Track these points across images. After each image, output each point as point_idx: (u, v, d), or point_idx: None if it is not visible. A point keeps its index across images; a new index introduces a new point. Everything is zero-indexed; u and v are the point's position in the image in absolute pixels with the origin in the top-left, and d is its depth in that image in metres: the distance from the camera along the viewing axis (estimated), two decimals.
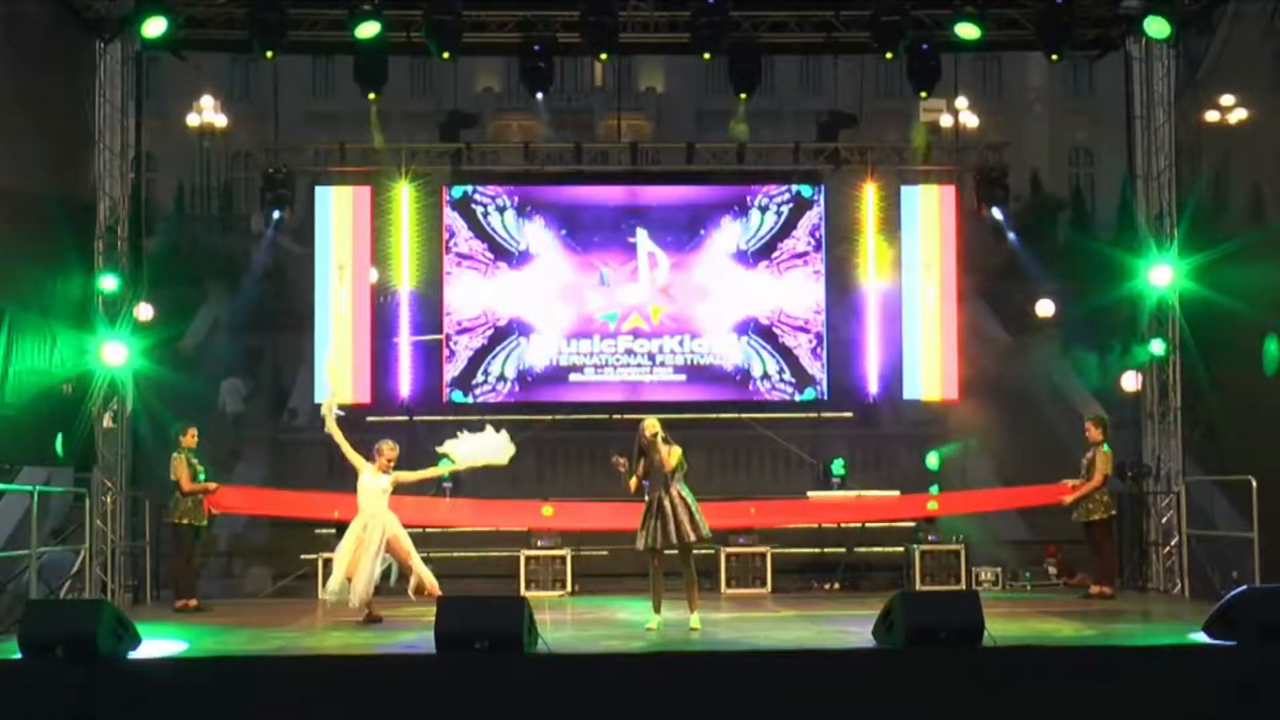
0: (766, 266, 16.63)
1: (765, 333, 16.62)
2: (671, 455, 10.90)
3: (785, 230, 16.65)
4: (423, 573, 11.77)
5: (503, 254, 16.57)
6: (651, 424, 11.05)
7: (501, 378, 16.55)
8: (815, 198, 16.70)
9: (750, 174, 16.83)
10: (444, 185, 16.60)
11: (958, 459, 15.70)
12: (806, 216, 16.65)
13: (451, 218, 16.53)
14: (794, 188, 16.68)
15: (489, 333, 16.57)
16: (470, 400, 16.52)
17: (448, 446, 11.99)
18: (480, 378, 16.53)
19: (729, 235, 16.66)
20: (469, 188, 16.62)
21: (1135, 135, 15.38)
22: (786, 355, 16.63)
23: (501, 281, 16.60)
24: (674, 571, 11.23)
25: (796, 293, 16.62)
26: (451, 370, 16.50)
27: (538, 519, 14.77)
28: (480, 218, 16.58)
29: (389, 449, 11.92)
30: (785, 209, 16.65)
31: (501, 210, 16.61)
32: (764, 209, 16.65)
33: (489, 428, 12.02)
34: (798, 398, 16.66)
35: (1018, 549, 15.98)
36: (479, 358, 16.55)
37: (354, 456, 11.89)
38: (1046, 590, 14.93)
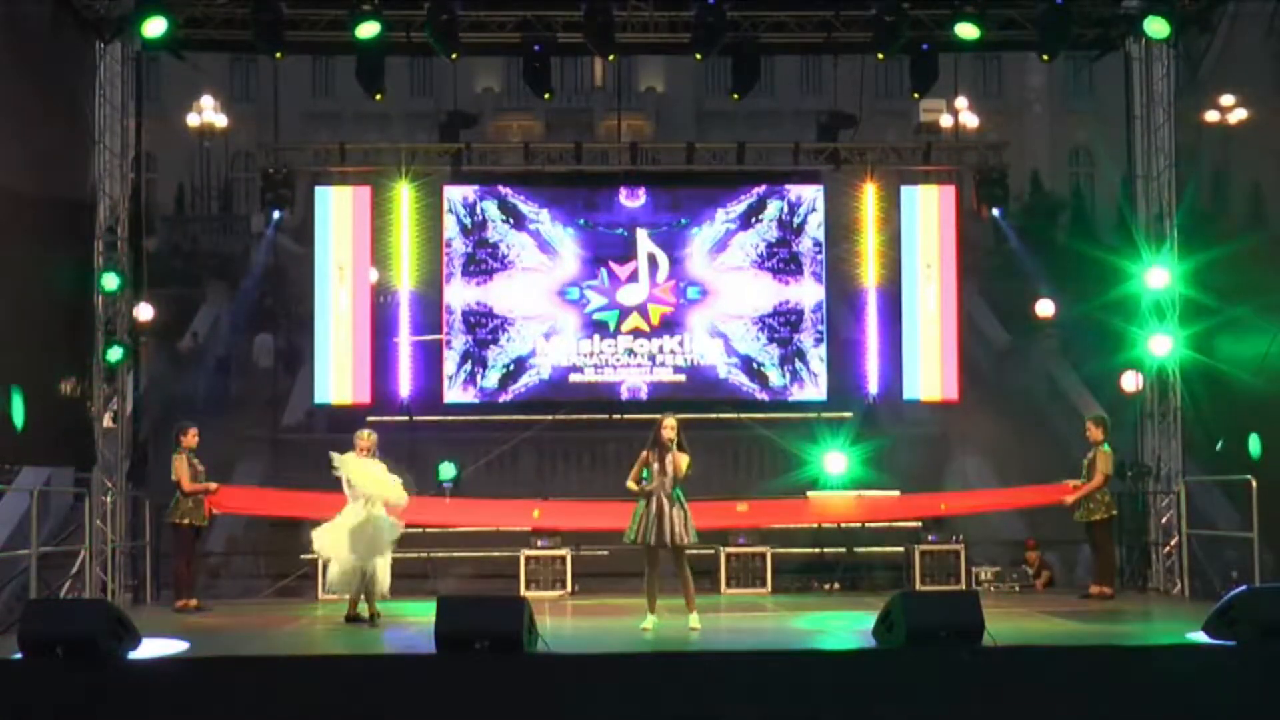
0: (753, 266, 16.65)
1: (722, 330, 16.66)
2: (681, 462, 10.88)
3: (744, 231, 16.67)
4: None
5: (506, 255, 16.59)
6: (671, 424, 10.98)
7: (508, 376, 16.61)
8: (789, 198, 16.71)
9: (750, 174, 16.81)
10: (444, 185, 16.59)
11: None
12: (773, 221, 16.66)
13: (484, 225, 16.58)
14: (759, 189, 16.67)
15: (494, 332, 16.59)
16: (474, 400, 16.54)
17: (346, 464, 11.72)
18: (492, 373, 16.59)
19: (728, 236, 16.66)
20: (475, 188, 16.61)
21: (1135, 135, 15.36)
22: (730, 343, 16.66)
23: (501, 282, 16.60)
24: (669, 572, 11.22)
25: (762, 289, 16.67)
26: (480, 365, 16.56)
27: (528, 520, 14.76)
28: (488, 219, 16.58)
29: (366, 437, 11.88)
30: (757, 213, 16.66)
31: (506, 209, 16.64)
32: (746, 211, 16.67)
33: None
34: (752, 384, 16.57)
35: (1018, 549, 15.98)
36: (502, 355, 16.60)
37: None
38: (1026, 590, 14.95)
